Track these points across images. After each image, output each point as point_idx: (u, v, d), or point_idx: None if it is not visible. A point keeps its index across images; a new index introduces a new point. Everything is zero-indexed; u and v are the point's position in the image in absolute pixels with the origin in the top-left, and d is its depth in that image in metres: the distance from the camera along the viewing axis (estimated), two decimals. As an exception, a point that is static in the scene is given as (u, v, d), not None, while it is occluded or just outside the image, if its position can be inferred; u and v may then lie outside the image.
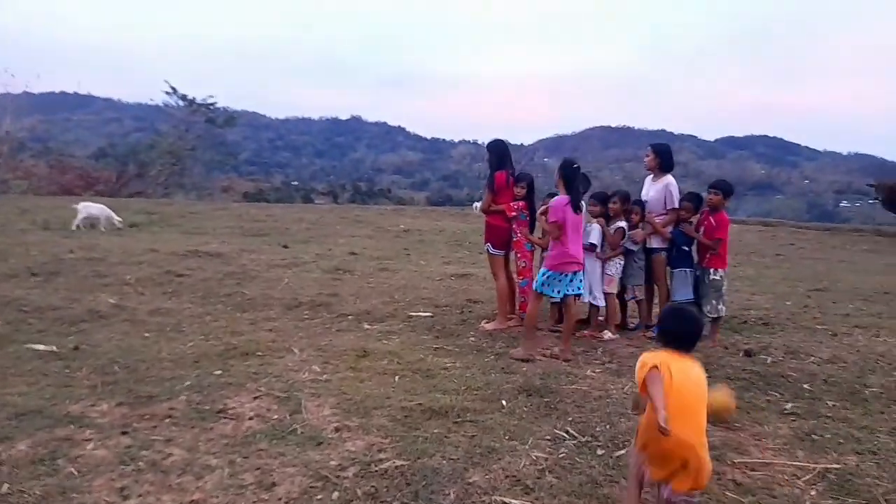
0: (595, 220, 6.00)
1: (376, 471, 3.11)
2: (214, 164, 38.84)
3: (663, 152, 6.03)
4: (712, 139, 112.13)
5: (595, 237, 5.91)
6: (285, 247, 11.48)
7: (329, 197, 52.86)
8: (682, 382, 2.52)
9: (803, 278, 9.91)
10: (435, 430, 3.60)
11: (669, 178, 5.91)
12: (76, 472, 3.01)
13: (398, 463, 3.18)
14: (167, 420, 3.66)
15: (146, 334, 5.47)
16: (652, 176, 6.06)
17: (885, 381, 4.65)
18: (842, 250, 14.82)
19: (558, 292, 5.20)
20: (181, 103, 34.37)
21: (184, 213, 16.62)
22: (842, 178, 76.94)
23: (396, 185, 76.31)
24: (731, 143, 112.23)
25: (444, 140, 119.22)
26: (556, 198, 5.26)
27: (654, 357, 2.62)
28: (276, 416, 3.75)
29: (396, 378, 4.51)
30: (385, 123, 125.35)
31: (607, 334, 5.81)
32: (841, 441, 3.65)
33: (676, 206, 5.83)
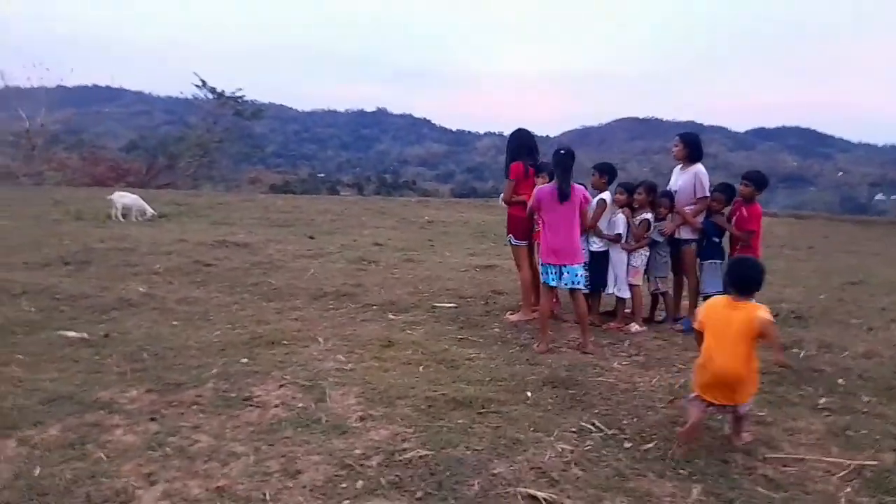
0: (620, 210, 5.91)
1: (400, 460, 3.11)
2: (242, 157, 39.24)
3: (691, 142, 5.90)
4: (742, 131, 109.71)
5: (621, 227, 5.82)
6: (311, 237, 11.55)
7: (354, 189, 52.93)
8: (721, 324, 3.32)
9: (836, 271, 9.67)
10: (459, 421, 3.58)
11: (699, 167, 5.78)
12: (105, 457, 3.05)
13: (422, 453, 3.17)
14: (194, 407, 3.70)
15: (174, 322, 5.54)
16: (680, 166, 5.94)
17: (923, 377, 4.51)
18: (876, 243, 14.41)
19: (554, 282, 5.14)
20: (210, 96, 34.62)
21: (212, 204, 16.81)
22: (876, 170, 74.72)
23: (421, 177, 76.05)
24: (761, 134, 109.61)
25: (469, 132, 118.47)
26: (538, 186, 5.26)
27: (705, 305, 3.50)
28: (301, 405, 3.77)
29: (420, 368, 4.50)
30: (410, 115, 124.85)
31: (634, 327, 5.73)
32: (877, 437, 3.54)
33: (707, 194, 5.70)
